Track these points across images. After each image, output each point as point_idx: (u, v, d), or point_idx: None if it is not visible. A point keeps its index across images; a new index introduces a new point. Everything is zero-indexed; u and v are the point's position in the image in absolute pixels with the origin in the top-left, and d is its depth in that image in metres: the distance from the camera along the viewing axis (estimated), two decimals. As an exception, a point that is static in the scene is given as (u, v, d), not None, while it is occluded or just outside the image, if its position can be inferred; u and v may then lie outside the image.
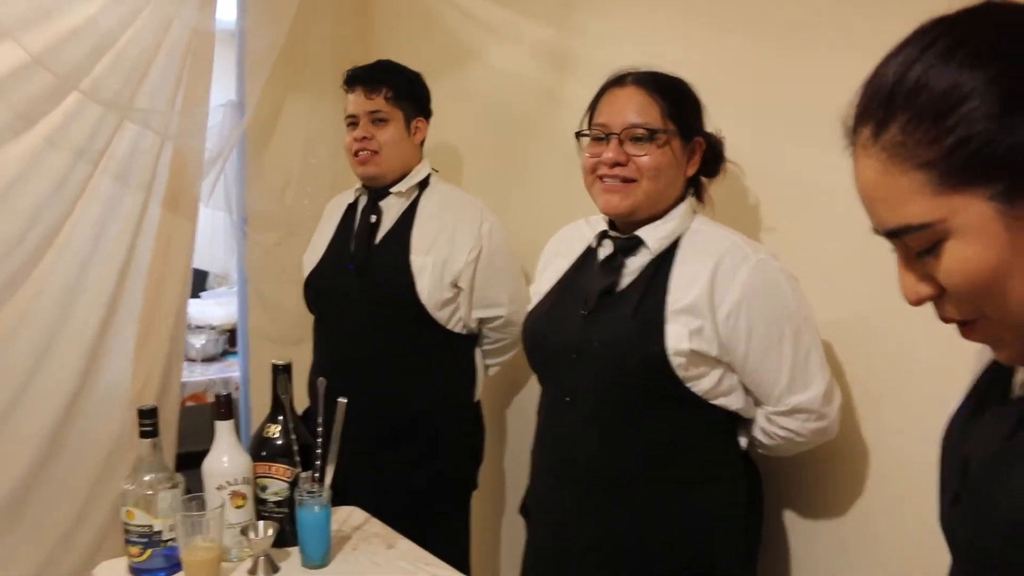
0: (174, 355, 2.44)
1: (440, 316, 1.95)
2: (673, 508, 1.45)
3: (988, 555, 0.73)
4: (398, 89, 2.00)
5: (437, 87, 2.13)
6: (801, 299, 1.45)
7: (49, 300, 2.20)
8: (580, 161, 1.52)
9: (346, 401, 1.48)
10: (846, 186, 1.48)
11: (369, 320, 1.96)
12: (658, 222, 1.47)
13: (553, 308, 1.57)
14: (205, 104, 2.37)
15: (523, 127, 2.26)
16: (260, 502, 1.54)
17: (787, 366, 1.42)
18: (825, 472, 1.62)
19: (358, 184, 2.11)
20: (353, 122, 2.01)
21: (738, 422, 1.51)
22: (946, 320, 0.73)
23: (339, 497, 1.56)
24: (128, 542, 1.45)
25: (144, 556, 1.44)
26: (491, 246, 1.98)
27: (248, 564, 1.46)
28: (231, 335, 3.00)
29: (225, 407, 1.51)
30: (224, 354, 3.05)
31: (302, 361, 2.01)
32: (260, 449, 1.55)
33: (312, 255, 2.12)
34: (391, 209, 2.02)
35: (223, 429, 1.51)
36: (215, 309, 3.07)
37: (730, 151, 1.57)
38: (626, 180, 1.44)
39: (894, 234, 0.71)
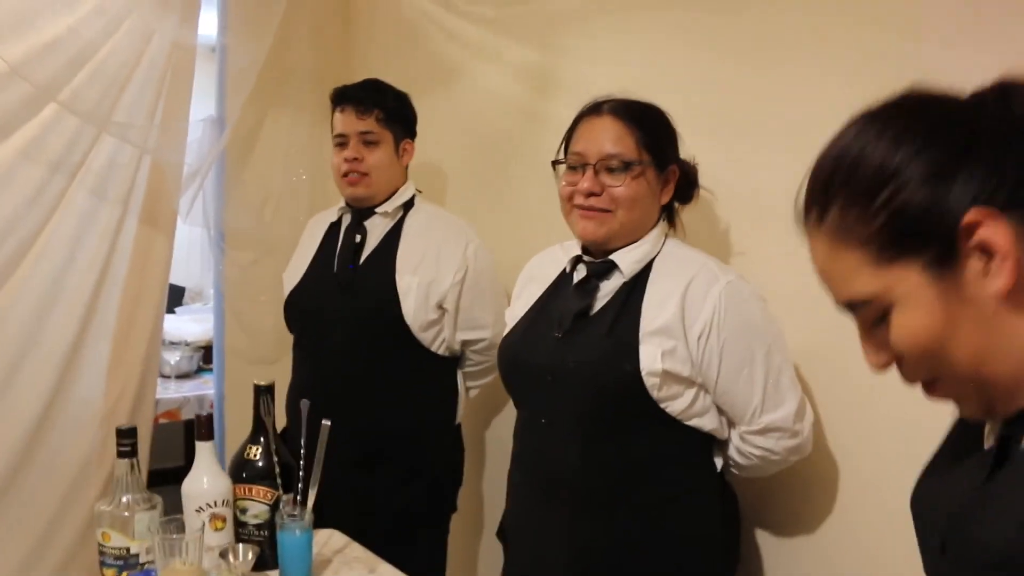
0: (148, 372, 2.40)
1: (424, 338, 1.94)
2: (650, 526, 1.47)
3: None
4: (389, 111, 2.00)
5: (420, 106, 2.13)
6: (771, 319, 1.48)
7: (22, 313, 2.17)
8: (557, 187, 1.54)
9: (330, 423, 1.47)
10: None
11: (352, 340, 1.94)
12: (631, 246, 1.50)
13: (528, 331, 1.59)
14: (184, 119, 2.35)
15: (505, 147, 2.26)
16: (239, 524, 1.52)
17: (759, 385, 1.44)
18: (798, 493, 1.64)
19: (340, 203, 2.10)
20: (342, 142, 2.00)
21: (713, 443, 1.54)
22: (910, 382, 0.78)
23: (318, 519, 1.53)
24: (103, 564, 1.41)
25: (120, 579, 1.40)
26: (477, 268, 1.98)
27: (227, 588, 1.44)
28: (206, 352, 2.96)
29: (206, 427, 1.48)
30: (199, 371, 3.01)
31: (280, 381, 1.99)
32: (241, 471, 1.52)
33: (293, 273, 2.10)
34: (376, 229, 2.01)
35: (203, 450, 1.48)
36: (190, 325, 3.03)
37: (706, 171, 1.60)
38: (602, 210, 1.46)
39: (848, 307, 0.77)
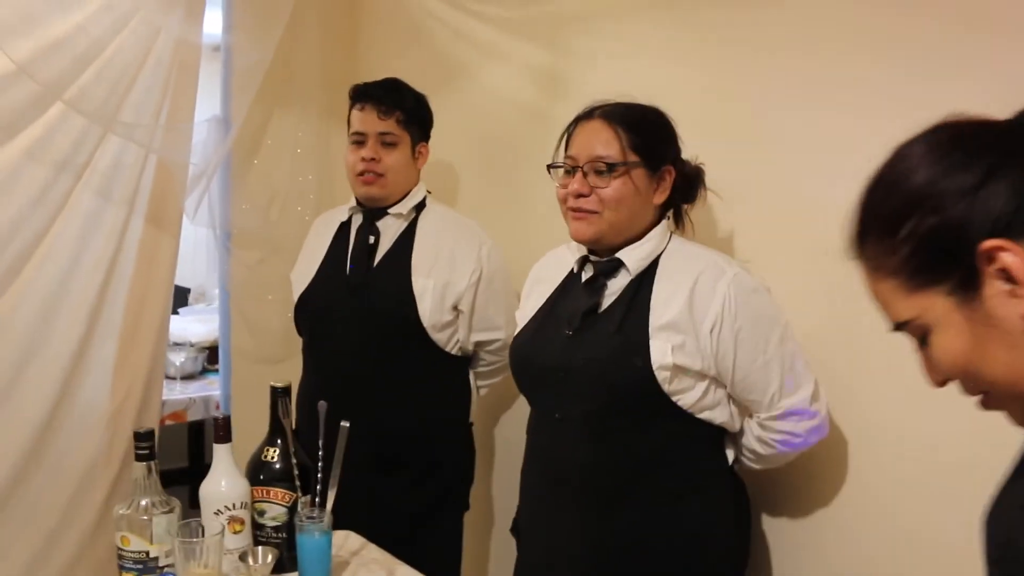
0: (155, 373, 2.39)
1: (439, 338, 1.94)
2: (663, 519, 1.49)
3: None
4: (409, 112, 1.98)
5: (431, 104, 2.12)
6: (778, 307, 1.52)
7: (28, 315, 2.14)
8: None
9: (348, 425, 1.46)
10: (818, 205, 1.55)
11: (365, 342, 1.93)
12: (636, 244, 1.53)
13: (538, 331, 1.62)
14: (190, 119, 2.33)
15: (514, 148, 2.26)
16: (257, 527, 1.51)
17: (776, 371, 1.47)
18: (803, 482, 1.66)
19: (349, 202, 2.08)
20: (360, 140, 1.98)
21: (724, 436, 1.56)
22: (968, 395, 0.82)
23: (334, 520, 1.53)
24: (122, 568, 1.40)
25: (139, 583, 1.39)
26: (490, 269, 1.98)
27: (246, 591, 1.43)
28: (211, 353, 2.95)
29: (223, 429, 1.47)
30: (203, 372, 3.00)
31: (292, 379, 1.98)
32: (258, 473, 1.51)
33: (303, 274, 2.08)
34: (388, 230, 2.00)
35: (221, 452, 1.47)
36: (194, 326, 3.01)
37: (713, 169, 1.62)
38: (590, 211, 1.50)
39: (896, 329, 0.81)
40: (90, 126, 2.19)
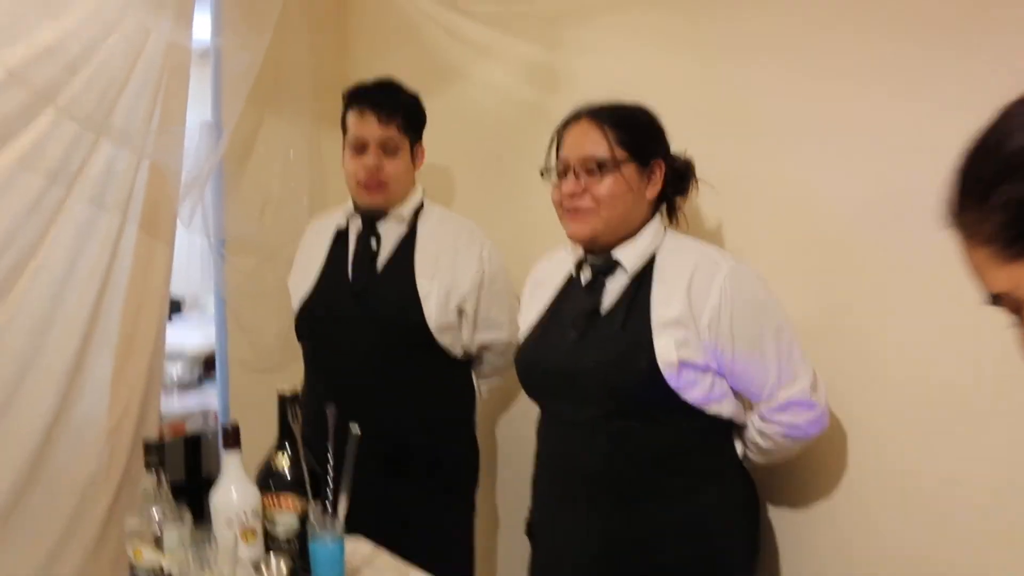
0: (152, 384, 2.36)
1: (444, 340, 1.93)
2: (678, 513, 1.51)
3: None
4: (409, 117, 1.96)
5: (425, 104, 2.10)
6: (775, 298, 1.53)
7: (23, 328, 2.11)
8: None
9: (359, 431, 1.45)
10: (810, 197, 1.54)
11: (371, 347, 1.92)
12: (630, 241, 1.55)
13: (543, 335, 1.64)
14: (182, 123, 2.30)
15: (510, 147, 2.25)
16: (269, 537, 1.49)
17: (773, 362, 1.49)
18: (807, 473, 1.67)
19: (344, 206, 2.06)
20: (360, 147, 1.95)
21: (732, 429, 1.58)
22: None
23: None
24: (135, 582, 1.38)
25: (153, 596, 1.37)
26: (492, 270, 1.97)
27: (260, 601, 1.41)
28: (207, 362, 2.92)
29: (233, 437, 1.45)
30: (200, 382, 2.96)
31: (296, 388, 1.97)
32: (268, 481, 1.49)
33: (302, 281, 2.05)
34: (390, 233, 1.99)
35: (231, 460, 1.45)
36: (189, 336, 2.98)
37: (705, 163, 1.64)
38: (586, 210, 1.52)
39: (992, 302, 0.77)
40: (81, 133, 2.16)
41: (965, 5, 1.40)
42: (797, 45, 1.63)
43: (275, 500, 1.48)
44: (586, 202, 1.52)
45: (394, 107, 1.93)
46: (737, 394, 1.55)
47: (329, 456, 1.47)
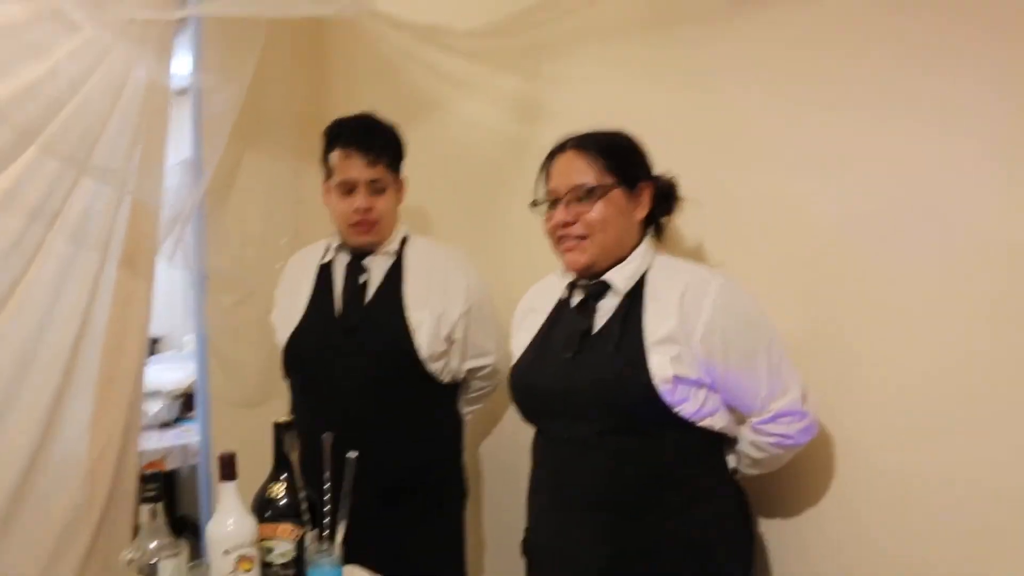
0: (132, 422, 2.34)
1: (434, 368, 1.95)
2: (676, 526, 1.52)
3: None
4: (393, 154, 1.99)
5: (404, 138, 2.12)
6: (764, 313, 1.57)
7: (3, 365, 2.09)
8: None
9: (356, 456, 1.46)
10: (792, 216, 1.58)
11: (364, 380, 1.93)
12: (621, 265, 1.59)
13: (537, 357, 1.66)
14: (161, 161, 2.31)
15: (492, 178, 2.30)
16: (265, 565, 1.48)
17: (764, 374, 1.52)
18: (796, 482, 1.71)
19: (324, 241, 2.08)
20: (349, 189, 1.96)
21: (724, 443, 1.61)
22: None
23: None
24: (132, 616, 1.37)
25: (150, 630, 1.36)
26: (479, 297, 2.00)
27: (258, 631, 1.40)
28: (186, 400, 2.90)
29: (228, 467, 1.45)
30: (178, 420, 2.94)
31: (269, 423, 1.95)
32: (264, 510, 1.49)
33: (288, 318, 2.06)
34: (376, 267, 2.01)
35: (227, 491, 1.45)
36: (167, 373, 2.96)
37: (689, 187, 1.68)
38: (580, 237, 1.56)
39: None
40: (62, 172, 2.16)
41: (945, 24, 1.46)
42: (777, 67, 1.69)
43: (272, 529, 1.48)
44: (578, 229, 1.56)
45: (381, 147, 1.96)
46: (728, 408, 1.58)
47: (325, 484, 1.48)
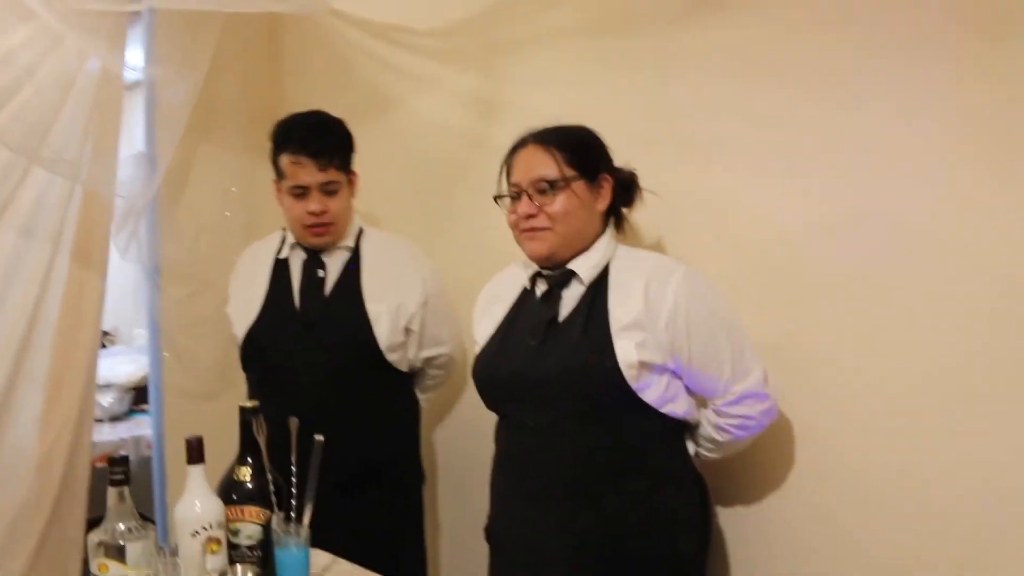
0: (84, 415, 2.33)
1: (393, 359, 1.99)
2: (639, 510, 1.56)
3: None
4: (343, 155, 1.98)
5: (358, 135, 2.11)
6: (725, 299, 1.62)
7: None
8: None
9: (323, 439, 1.50)
10: (745, 207, 1.67)
11: (323, 371, 1.95)
12: (585, 254, 1.63)
13: (502, 345, 1.68)
14: (114, 152, 2.30)
15: (449, 174, 2.33)
16: (232, 547, 1.51)
17: (728, 358, 1.58)
18: (755, 469, 1.77)
19: (277, 234, 2.09)
20: (301, 193, 1.95)
21: (685, 429, 1.66)
22: None
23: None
24: (101, 597, 1.38)
25: (119, 610, 1.37)
26: (435, 289, 2.05)
27: (226, 611, 1.43)
28: (137, 393, 2.87)
29: (196, 451, 1.47)
30: (130, 413, 2.91)
31: (222, 417, 1.96)
32: (230, 493, 1.51)
33: (245, 312, 2.06)
34: (334, 261, 2.03)
35: (194, 474, 1.47)
36: (119, 366, 2.93)
37: (644, 183, 1.73)
38: (542, 228, 1.60)
39: None
40: (11, 163, 2.15)
41: (918, 17, 1.50)
42: (736, 65, 1.73)
43: (239, 511, 1.51)
44: (542, 221, 1.60)
45: (331, 149, 1.95)
46: (690, 393, 1.63)
47: (292, 466, 1.51)
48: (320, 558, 1.66)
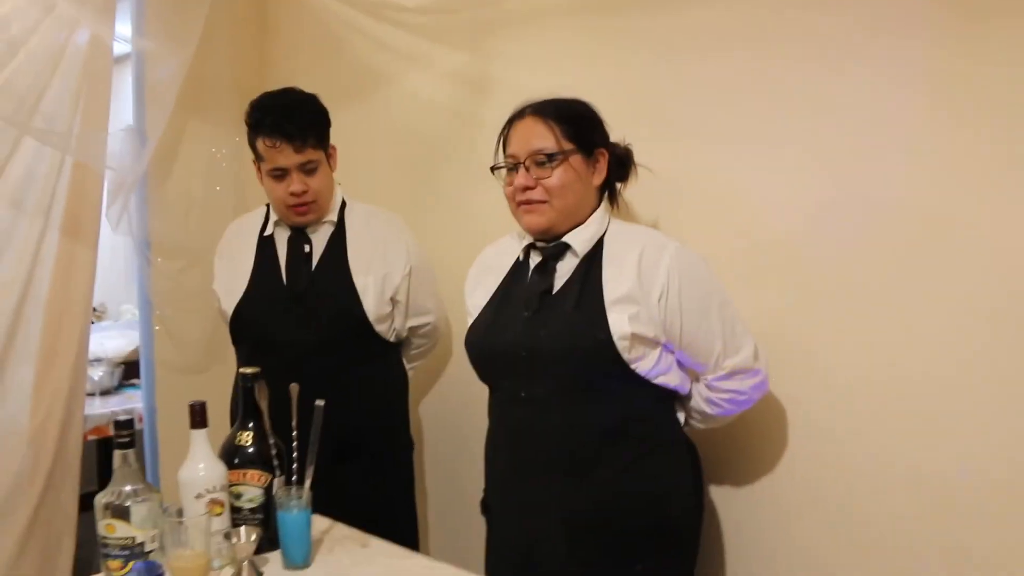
0: (76, 389, 2.34)
1: (381, 329, 2.03)
2: (632, 479, 1.59)
3: None
4: (319, 132, 1.98)
5: (346, 112, 2.14)
6: (716, 275, 1.65)
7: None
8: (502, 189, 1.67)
9: (323, 403, 1.53)
10: (734, 187, 1.69)
11: (314, 344, 1.98)
12: (580, 227, 1.64)
13: (496, 316, 1.69)
14: (104, 124, 2.31)
15: (439, 150, 2.35)
16: (234, 510, 1.54)
17: (719, 333, 1.61)
18: (746, 441, 1.81)
19: (262, 209, 2.11)
20: (280, 175, 1.95)
21: (675, 400, 1.69)
22: None
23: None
24: (107, 556, 1.40)
25: (126, 569, 1.40)
26: (419, 259, 2.09)
27: (230, 571, 1.46)
28: (128, 367, 2.88)
29: (200, 415, 1.50)
30: (120, 387, 2.92)
31: (214, 390, 2.00)
32: (232, 457, 1.54)
33: (232, 287, 2.07)
34: (319, 235, 2.05)
35: (198, 438, 1.49)
36: (109, 340, 2.94)
37: (637, 160, 1.75)
38: (539, 201, 1.61)
39: None
40: (1, 134, 2.15)
41: (911, 9, 1.52)
42: (732, 43, 1.75)
43: (241, 475, 1.54)
44: (538, 194, 1.60)
45: (306, 129, 1.93)
46: (681, 367, 1.66)
47: (293, 431, 1.54)
48: (319, 522, 1.70)
